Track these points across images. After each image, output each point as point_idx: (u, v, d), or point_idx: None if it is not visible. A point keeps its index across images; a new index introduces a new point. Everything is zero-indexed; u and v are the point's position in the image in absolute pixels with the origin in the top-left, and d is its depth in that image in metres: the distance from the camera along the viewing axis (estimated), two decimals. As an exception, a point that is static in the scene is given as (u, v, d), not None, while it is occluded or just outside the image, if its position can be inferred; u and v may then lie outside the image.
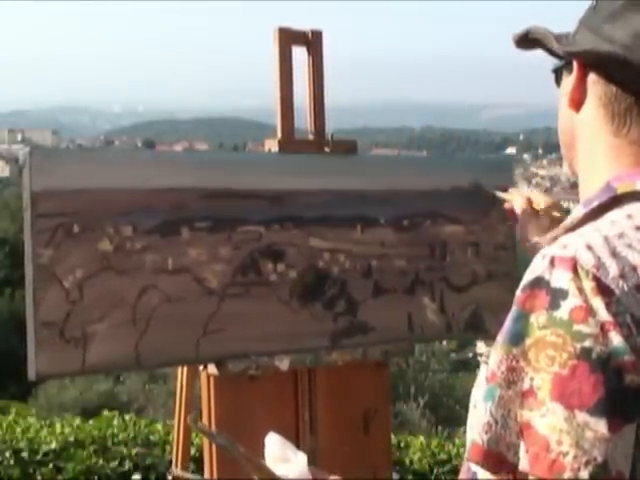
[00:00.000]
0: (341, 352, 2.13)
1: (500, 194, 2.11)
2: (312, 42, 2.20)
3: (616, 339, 0.94)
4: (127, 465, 4.34)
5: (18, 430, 4.76)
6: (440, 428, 9.39)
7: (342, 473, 2.18)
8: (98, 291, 1.83)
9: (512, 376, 0.97)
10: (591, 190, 1.14)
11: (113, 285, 1.85)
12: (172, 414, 2.45)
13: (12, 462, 4.28)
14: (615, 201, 1.08)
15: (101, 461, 4.32)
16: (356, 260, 2.14)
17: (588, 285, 0.96)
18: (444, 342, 13.67)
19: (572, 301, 0.96)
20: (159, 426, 4.99)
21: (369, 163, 2.27)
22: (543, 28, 1.23)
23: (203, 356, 1.96)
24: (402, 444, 5.03)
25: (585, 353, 0.93)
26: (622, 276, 0.97)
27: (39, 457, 4.34)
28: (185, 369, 2.27)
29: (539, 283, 0.98)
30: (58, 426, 4.86)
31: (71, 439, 4.53)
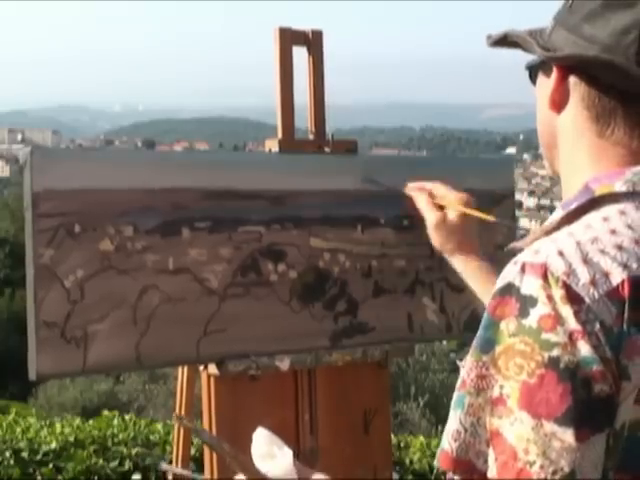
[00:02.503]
0: (341, 352, 2.13)
1: (399, 188, 1.93)
2: (312, 42, 2.20)
3: (584, 348, 0.93)
4: (127, 465, 4.33)
5: (18, 430, 4.76)
6: (440, 428, 9.38)
7: (342, 473, 2.19)
8: (99, 291, 1.83)
9: (482, 383, 0.96)
10: (571, 191, 1.13)
11: (114, 285, 1.85)
12: (172, 414, 2.46)
13: (12, 462, 4.28)
14: (593, 203, 1.07)
15: (101, 461, 4.32)
16: (356, 260, 2.14)
17: (558, 293, 0.95)
18: (444, 342, 13.67)
19: (541, 309, 0.94)
20: (159, 426, 4.99)
21: (369, 163, 2.27)
22: (522, 31, 1.21)
23: (203, 356, 1.96)
24: (402, 444, 5.04)
25: (553, 362, 0.92)
26: (593, 283, 0.95)
27: (39, 457, 4.34)
28: (185, 369, 2.27)
29: (509, 290, 0.97)
30: (58, 426, 4.86)
31: (71, 439, 4.53)
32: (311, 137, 2.21)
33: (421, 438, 5.22)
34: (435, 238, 1.82)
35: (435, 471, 4.69)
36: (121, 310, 1.85)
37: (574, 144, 1.14)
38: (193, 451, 3.70)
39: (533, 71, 1.23)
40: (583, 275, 0.96)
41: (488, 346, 0.97)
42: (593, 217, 1.05)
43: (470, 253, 1.79)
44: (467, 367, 0.98)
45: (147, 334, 1.88)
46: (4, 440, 4.49)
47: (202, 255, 1.95)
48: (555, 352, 0.93)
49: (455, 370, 13.65)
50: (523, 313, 0.95)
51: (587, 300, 0.94)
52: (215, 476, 2.05)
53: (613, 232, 1.01)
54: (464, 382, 0.98)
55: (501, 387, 0.94)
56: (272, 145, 2.14)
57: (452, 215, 1.80)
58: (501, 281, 1.00)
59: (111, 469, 4.30)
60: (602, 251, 0.98)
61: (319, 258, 2.10)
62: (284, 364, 2.05)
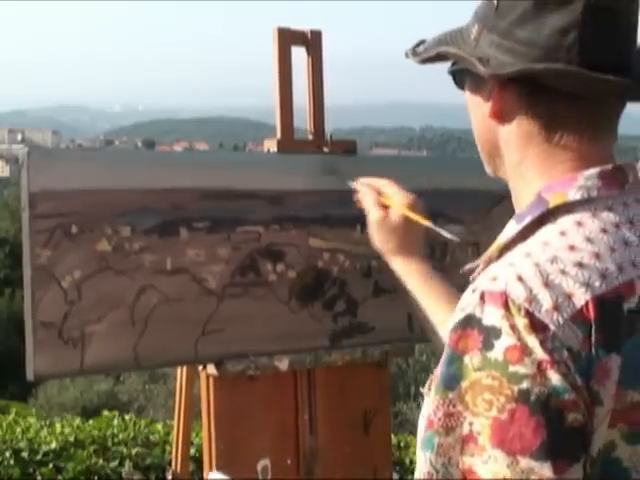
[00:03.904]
0: (341, 352, 2.13)
1: (352, 183, 1.88)
2: (311, 42, 2.19)
3: (554, 378, 0.90)
4: (127, 465, 4.34)
5: (18, 430, 4.77)
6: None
7: (342, 473, 2.19)
8: (96, 291, 1.83)
9: (450, 422, 0.93)
10: (524, 201, 1.10)
11: (111, 285, 1.84)
12: (172, 414, 2.45)
13: (12, 462, 4.28)
14: (548, 215, 1.04)
15: (101, 461, 4.33)
16: (356, 260, 2.14)
17: (521, 322, 0.91)
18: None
19: (505, 340, 0.91)
20: (159, 426, 5.00)
21: (369, 163, 2.27)
22: (445, 38, 1.15)
23: (202, 356, 1.96)
24: (402, 444, 5.04)
25: (523, 395, 0.89)
26: (556, 308, 0.92)
27: (39, 457, 4.35)
28: (184, 369, 2.26)
29: (470, 322, 0.94)
30: (58, 426, 4.87)
31: (71, 439, 4.54)
32: (310, 137, 2.21)
33: (421, 438, 5.21)
34: (374, 236, 1.74)
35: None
36: (119, 310, 1.85)
37: (522, 153, 1.10)
38: (193, 451, 3.70)
39: (458, 76, 1.18)
40: (545, 300, 0.92)
41: (453, 382, 0.93)
42: (549, 232, 1.01)
43: (410, 256, 1.71)
44: (433, 406, 0.94)
45: (145, 334, 1.87)
46: (4, 440, 4.49)
47: (200, 255, 1.94)
48: (525, 384, 0.90)
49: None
50: (487, 346, 0.92)
51: (552, 327, 0.91)
52: (214, 477, 2.05)
53: (572, 248, 0.97)
54: (431, 422, 0.94)
55: (470, 424, 0.91)
56: (271, 145, 2.14)
57: (394, 215, 1.72)
58: (460, 312, 0.97)
59: (111, 469, 4.30)
60: (563, 271, 0.95)
61: (318, 258, 2.09)
62: (283, 364, 2.05)
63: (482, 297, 0.95)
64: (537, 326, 0.91)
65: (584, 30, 1.02)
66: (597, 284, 0.94)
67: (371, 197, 1.76)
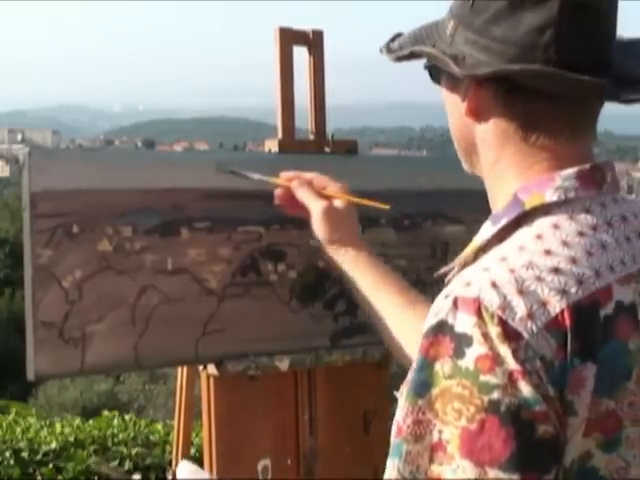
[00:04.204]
0: (341, 352, 2.13)
1: (268, 179, 1.82)
2: (313, 42, 2.19)
3: (526, 389, 0.88)
4: (127, 465, 4.34)
5: (18, 430, 4.77)
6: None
7: (342, 473, 2.19)
8: (97, 291, 1.83)
9: (419, 429, 0.91)
10: (500, 202, 1.08)
11: (112, 285, 1.84)
12: (172, 414, 2.45)
13: (12, 462, 4.29)
14: (525, 217, 1.02)
15: (101, 461, 4.32)
16: (356, 260, 2.14)
17: (494, 330, 0.90)
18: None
19: (477, 349, 0.89)
20: (159, 426, 5.00)
21: (369, 163, 2.27)
22: (418, 34, 1.13)
23: (202, 356, 1.96)
24: (402, 444, 5.03)
25: (493, 406, 0.88)
26: (530, 316, 0.90)
27: (39, 457, 4.35)
28: (185, 369, 2.26)
29: (442, 328, 0.92)
30: (58, 426, 4.87)
31: (71, 439, 4.54)
32: (311, 137, 2.21)
33: (421, 438, 5.21)
34: (321, 229, 1.66)
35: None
36: (119, 310, 1.85)
37: (498, 152, 1.08)
38: (193, 451, 3.70)
39: (434, 72, 1.17)
40: (519, 308, 0.91)
41: (423, 389, 0.92)
42: (525, 235, 1.00)
43: (359, 244, 1.64)
44: (402, 412, 0.93)
45: (146, 334, 1.87)
46: (4, 440, 4.49)
47: (201, 255, 1.94)
48: (495, 395, 0.88)
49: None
50: (458, 353, 0.90)
51: (525, 335, 0.89)
52: (215, 476, 2.05)
53: (548, 253, 0.95)
54: (400, 429, 0.93)
55: (440, 432, 0.89)
56: (272, 145, 2.14)
57: (339, 204, 1.66)
58: (433, 318, 0.94)
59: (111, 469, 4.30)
60: (538, 278, 0.93)
61: (319, 258, 2.09)
62: (284, 364, 2.05)
63: (455, 303, 0.93)
64: (510, 335, 0.89)
65: (561, 28, 1.00)
66: (573, 290, 0.93)
67: (308, 190, 1.69)
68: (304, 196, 1.69)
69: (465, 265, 1.07)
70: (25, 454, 4.29)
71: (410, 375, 0.95)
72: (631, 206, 1.07)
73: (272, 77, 2.17)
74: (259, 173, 1.89)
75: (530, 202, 1.02)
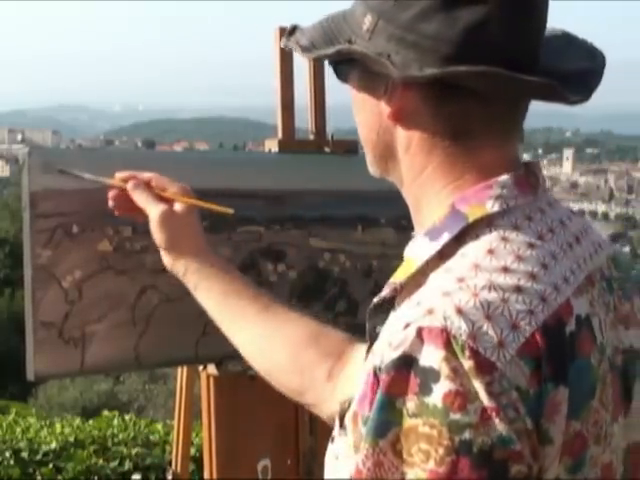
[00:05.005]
0: (341, 352, 2.13)
1: (100, 179, 1.64)
2: (312, 42, 2.19)
3: (500, 427, 0.81)
4: (127, 465, 4.34)
5: (18, 430, 4.77)
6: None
7: (342, 474, 2.18)
8: (97, 291, 1.83)
9: (381, 472, 0.84)
10: (428, 213, 1.00)
11: (112, 285, 1.84)
12: (172, 414, 2.45)
13: (12, 462, 4.28)
14: (468, 230, 0.94)
15: (101, 461, 4.32)
16: (357, 260, 2.14)
17: (466, 364, 0.82)
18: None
19: (445, 385, 0.82)
20: (159, 426, 5.00)
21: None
22: (340, 38, 1.01)
23: (202, 356, 1.96)
24: (402, 444, 5.03)
25: (465, 447, 0.81)
26: (502, 343, 0.83)
27: (39, 457, 4.35)
28: (185, 369, 2.26)
29: (405, 362, 0.84)
30: (58, 426, 4.87)
31: (71, 439, 4.54)
32: (311, 137, 2.21)
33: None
34: (160, 236, 1.49)
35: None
36: (120, 310, 1.85)
37: (425, 159, 0.98)
38: (193, 451, 3.70)
39: (342, 69, 1.05)
40: (490, 335, 0.83)
41: (384, 429, 0.83)
42: (475, 250, 0.91)
43: (206, 253, 1.50)
44: (361, 455, 0.85)
45: (146, 334, 1.87)
46: (4, 440, 4.49)
47: (201, 255, 1.94)
48: (467, 435, 0.81)
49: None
50: (424, 390, 0.82)
51: (499, 365, 0.82)
52: (215, 476, 2.05)
53: (506, 270, 0.88)
54: (359, 472, 0.85)
55: (403, 474, 0.82)
56: (272, 145, 2.14)
57: (180, 208, 1.50)
58: (393, 351, 0.85)
59: (111, 469, 4.30)
60: (503, 300, 0.86)
61: (319, 258, 2.09)
62: (284, 364, 2.05)
63: (419, 334, 0.84)
64: (483, 367, 0.82)
65: (503, 25, 0.92)
66: (539, 310, 0.86)
67: (145, 191, 1.51)
68: (140, 199, 1.51)
69: (403, 288, 0.97)
70: (25, 454, 4.29)
71: (370, 415, 0.85)
72: (563, 208, 1.00)
73: (272, 77, 2.17)
74: (92, 172, 1.73)
75: (472, 214, 0.93)
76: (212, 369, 2.00)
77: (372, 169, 1.10)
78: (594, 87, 0.98)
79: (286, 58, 2.15)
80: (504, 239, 0.91)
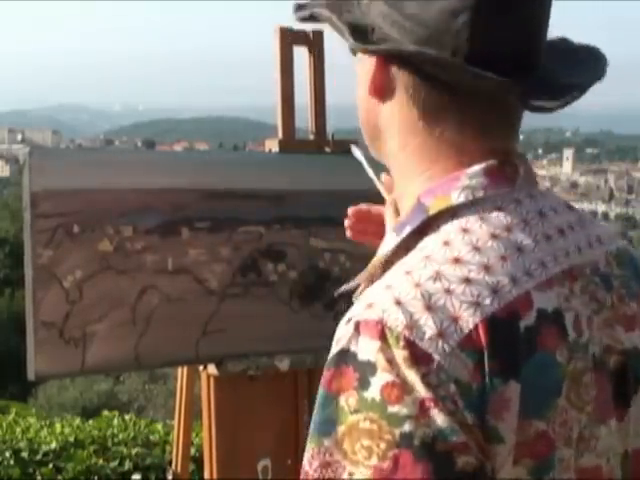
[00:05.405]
0: (341, 352, 2.13)
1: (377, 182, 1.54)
2: (313, 42, 2.19)
3: (440, 418, 0.78)
4: (127, 465, 4.33)
5: (18, 430, 4.76)
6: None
7: (342, 473, 2.18)
8: (98, 291, 1.83)
9: (327, 473, 0.81)
10: (406, 202, 0.96)
11: (113, 285, 1.85)
12: (172, 414, 2.45)
13: (12, 462, 4.27)
14: (430, 222, 0.90)
15: (101, 461, 4.32)
16: (357, 260, 2.14)
17: (400, 354, 0.79)
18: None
19: (382, 377, 0.79)
20: (159, 426, 4.99)
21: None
22: (342, 6, 0.98)
23: (203, 356, 1.96)
24: (402, 444, 5.03)
25: (406, 439, 0.78)
26: (441, 335, 0.80)
27: (39, 457, 4.34)
28: (185, 369, 2.26)
29: (344, 357, 0.82)
30: (58, 426, 4.86)
31: (71, 439, 4.53)
32: (311, 137, 2.21)
33: (421, 438, 5.20)
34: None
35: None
36: (120, 310, 1.85)
37: (402, 142, 0.95)
38: (193, 451, 3.70)
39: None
40: (428, 326, 0.80)
41: (328, 428, 0.81)
42: (432, 242, 0.88)
43: None
44: (308, 455, 0.83)
45: (146, 334, 1.87)
46: (4, 440, 4.48)
47: (202, 255, 1.94)
48: (407, 427, 0.78)
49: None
50: (363, 384, 0.80)
51: (436, 357, 0.79)
52: (215, 476, 2.05)
53: (457, 261, 0.85)
54: (306, 473, 0.83)
55: (350, 474, 0.79)
56: (272, 145, 2.14)
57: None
58: (334, 347, 0.84)
59: (111, 469, 4.29)
60: (447, 290, 0.83)
61: (319, 258, 2.09)
62: (284, 364, 2.05)
63: (357, 328, 0.82)
64: (419, 358, 0.79)
65: (478, 14, 0.88)
66: (487, 302, 0.82)
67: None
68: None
69: (372, 281, 0.94)
70: (25, 454, 4.28)
71: (314, 414, 0.83)
72: (550, 200, 0.95)
73: (272, 77, 2.17)
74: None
75: (435, 206, 0.90)
76: (212, 369, 2.00)
77: (372, 153, 1.06)
78: (570, 101, 0.94)
79: (286, 58, 2.15)
80: (464, 230, 0.88)
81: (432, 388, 0.78)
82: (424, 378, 0.78)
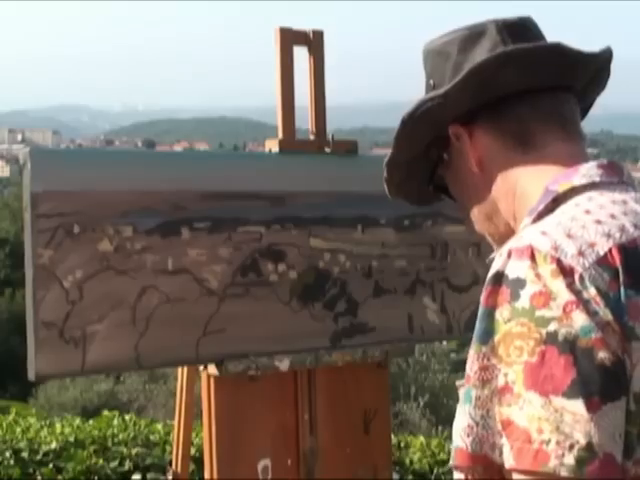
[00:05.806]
0: (341, 352, 2.13)
1: None
2: (313, 42, 2.19)
3: (581, 318, 0.92)
4: (127, 465, 4.33)
5: (18, 430, 4.76)
6: (440, 428, 9.37)
7: (342, 473, 2.19)
8: (98, 291, 1.83)
9: (486, 375, 0.96)
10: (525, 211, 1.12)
11: (113, 285, 1.85)
12: (172, 414, 2.45)
13: (12, 462, 4.27)
14: (559, 199, 1.07)
15: (101, 461, 4.32)
16: (357, 260, 2.14)
17: (547, 269, 0.95)
18: (444, 342, 13.66)
19: (531, 288, 0.95)
20: (159, 426, 4.99)
21: (369, 163, 2.27)
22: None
23: (203, 356, 1.96)
24: (402, 444, 5.03)
25: (551, 337, 0.92)
26: (581, 254, 0.96)
27: (39, 457, 4.34)
28: (185, 369, 2.27)
29: (498, 278, 0.98)
30: (58, 426, 4.86)
31: (71, 439, 4.53)
32: (312, 137, 2.21)
33: (421, 438, 5.21)
34: None
35: (435, 471, 4.68)
36: (120, 310, 1.85)
37: (515, 184, 1.12)
38: (193, 451, 3.70)
39: (437, 181, 1.25)
40: (570, 248, 0.96)
41: (486, 336, 0.96)
42: (563, 207, 1.05)
43: None
44: (469, 360, 0.98)
45: (146, 334, 1.87)
46: (4, 440, 4.48)
47: (202, 255, 1.95)
48: (552, 327, 0.92)
49: (455, 370, 13.66)
50: (514, 297, 0.95)
51: (579, 269, 0.94)
52: (215, 476, 2.05)
53: (588, 212, 1.02)
54: (468, 376, 0.98)
55: (505, 375, 0.94)
56: (272, 145, 2.14)
57: None
58: (490, 271, 1.00)
59: (111, 469, 4.30)
60: (583, 226, 0.99)
61: (319, 258, 2.10)
62: (284, 364, 2.05)
63: (509, 254, 0.99)
64: (564, 270, 0.94)
65: (507, 45, 1.12)
66: (618, 235, 0.98)
67: None
68: None
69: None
70: (25, 454, 4.28)
71: (476, 326, 0.99)
72: None
73: (273, 77, 2.17)
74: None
75: (561, 188, 1.07)
76: (212, 369, 2.00)
77: (489, 238, 1.23)
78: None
79: (286, 58, 2.15)
80: (590, 198, 1.04)
81: (575, 293, 0.93)
82: (569, 286, 0.93)
